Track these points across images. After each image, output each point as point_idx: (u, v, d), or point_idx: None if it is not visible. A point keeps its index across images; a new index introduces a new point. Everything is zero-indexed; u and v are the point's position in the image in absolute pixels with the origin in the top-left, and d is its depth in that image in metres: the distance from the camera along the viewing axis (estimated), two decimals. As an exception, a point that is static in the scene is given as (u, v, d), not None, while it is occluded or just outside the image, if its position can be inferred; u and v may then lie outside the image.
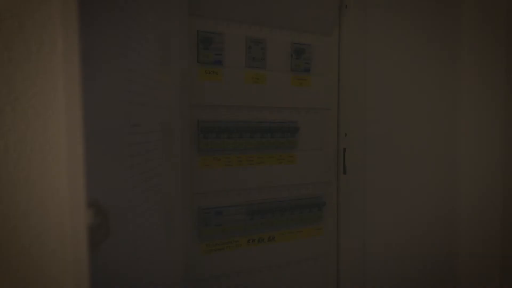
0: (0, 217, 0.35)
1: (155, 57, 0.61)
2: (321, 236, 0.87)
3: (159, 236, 0.61)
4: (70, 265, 0.36)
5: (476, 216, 0.98)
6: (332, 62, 0.86)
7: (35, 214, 0.36)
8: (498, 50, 0.94)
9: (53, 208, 0.36)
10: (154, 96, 0.61)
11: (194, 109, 0.71)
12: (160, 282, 0.60)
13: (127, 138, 0.48)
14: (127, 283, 0.47)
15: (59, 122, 0.36)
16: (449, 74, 1.00)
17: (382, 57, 0.89)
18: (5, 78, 0.35)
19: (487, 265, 0.97)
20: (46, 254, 0.37)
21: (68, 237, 0.36)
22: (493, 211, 0.95)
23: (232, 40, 0.74)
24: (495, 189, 0.95)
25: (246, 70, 0.76)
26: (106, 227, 0.39)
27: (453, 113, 1.02)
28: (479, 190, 0.98)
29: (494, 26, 0.95)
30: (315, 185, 0.85)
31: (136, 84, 0.52)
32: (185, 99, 0.68)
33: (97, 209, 0.37)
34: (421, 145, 0.96)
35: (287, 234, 0.82)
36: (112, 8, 0.44)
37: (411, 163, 0.93)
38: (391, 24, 0.90)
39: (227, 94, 0.74)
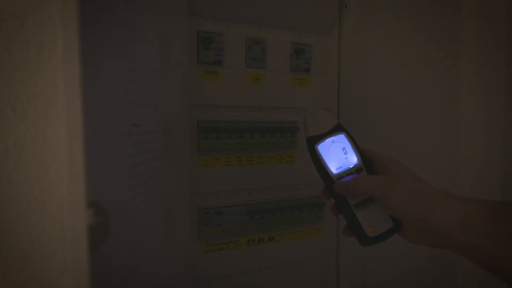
0: (0, 217, 0.35)
1: (155, 57, 0.61)
2: (321, 236, 0.87)
3: (159, 236, 0.61)
4: (70, 265, 0.36)
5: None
6: (332, 62, 0.86)
7: (35, 214, 0.36)
8: (498, 49, 0.94)
9: (53, 208, 0.36)
10: (154, 96, 0.61)
11: (194, 109, 0.71)
12: (160, 282, 0.60)
13: (127, 138, 0.48)
14: (127, 284, 0.47)
15: (59, 122, 0.36)
16: (449, 74, 1.00)
17: (382, 57, 0.89)
18: (5, 78, 0.35)
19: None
20: (46, 254, 0.37)
21: (68, 237, 0.36)
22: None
23: (232, 40, 0.74)
24: (495, 191, 0.95)
25: (246, 70, 0.76)
26: (106, 227, 0.39)
27: (453, 113, 1.02)
28: (479, 192, 0.98)
29: (494, 26, 0.95)
30: (315, 185, 0.85)
31: (136, 84, 0.52)
32: (185, 99, 0.68)
33: (97, 209, 0.37)
34: (421, 146, 0.96)
35: (287, 234, 0.82)
36: (112, 8, 0.44)
37: (411, 163, 0.93)
38: (391, 24, 0.90)
39: (227, 94, 0.74)
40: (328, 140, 0.53)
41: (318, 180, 0.87)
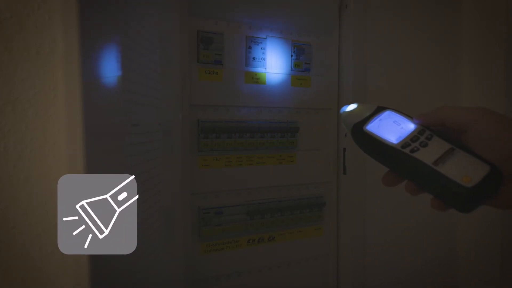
0: (0, 217, 0.35)
1: (155, 57, 0.61)
2: (321, 236, 0.87)
3: (158, 236, 0.61)
4: (69, 265, 0.36)
5: (475, 215, 0.98)
6: (332, 62, 0.86)
7: (35, 214, 0.36)
8: (498, 49, 0.94)
9: (53, 208, 0.36)
10: (154, 96, 0.61)
11: (194, 109, 0.71)
12: (160, 282, 0.60)
13: (127, 138, 0.48)
14: (126, 284, 0.47)
15: (59, 122, 0.36)
16: (449, 73, 1.00)
17: (382, 57, 0.89)
18: (5, 78, 0.35)
19: (487, 264, 0.97)
20: (46, 254, 0.37)
21: (68, 237, 0.36)
22: (491, 209, 0.95)
23: (232, 40, 0.74)
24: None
25: (246, 70, 0.76)
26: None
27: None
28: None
29: (494, 26, 0.95)
30: (315, 185, 0.85)
31: (136, 84, 0.52)
32: (185, 99, 0.68)
33: (97, 209, 0.37)
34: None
35: (287, 234, 0.82)
36: (112, 8, 0.44)
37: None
38: (391, 24, 0.90)
39: (227, 94, 0.74)
40: (376, 120, 0.48)
41: (318, 180, 0.87)
